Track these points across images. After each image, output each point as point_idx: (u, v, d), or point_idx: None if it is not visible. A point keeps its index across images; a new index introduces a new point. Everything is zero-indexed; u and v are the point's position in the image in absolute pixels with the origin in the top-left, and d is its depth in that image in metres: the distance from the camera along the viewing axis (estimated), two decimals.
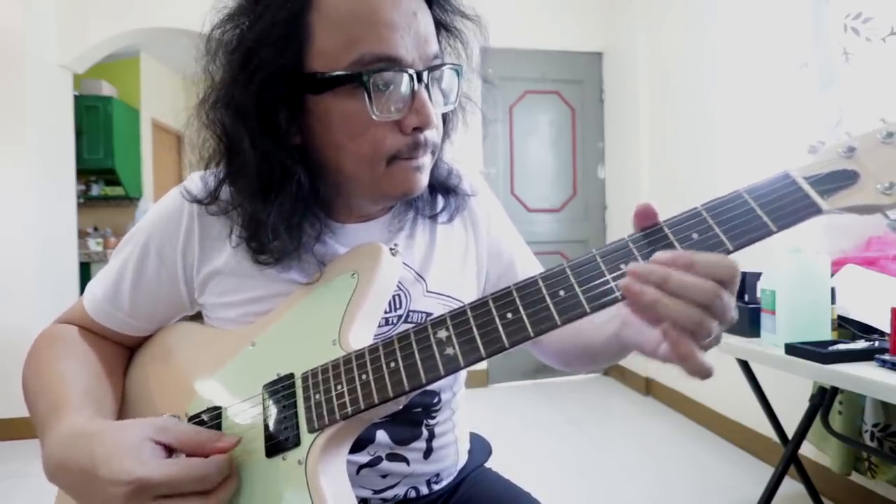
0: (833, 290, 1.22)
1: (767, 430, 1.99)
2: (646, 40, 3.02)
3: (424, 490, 0.69)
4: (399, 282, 0.63)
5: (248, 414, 0.55)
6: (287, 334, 0.58)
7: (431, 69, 0.54)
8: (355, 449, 0.61)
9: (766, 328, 1.24)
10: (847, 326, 1.25)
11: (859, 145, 0.42)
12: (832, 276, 1.27)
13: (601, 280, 0.43)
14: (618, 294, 0.41)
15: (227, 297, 0.62)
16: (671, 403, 2.83)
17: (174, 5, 2.78)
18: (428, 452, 0.68)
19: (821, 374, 1.05)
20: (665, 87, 2.87)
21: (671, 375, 2.85)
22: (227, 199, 0.59)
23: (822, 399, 1.39)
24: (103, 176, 4.47)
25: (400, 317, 0.64)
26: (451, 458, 0.71)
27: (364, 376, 0.49)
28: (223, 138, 0.56)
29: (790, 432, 1.48)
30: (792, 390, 1.78)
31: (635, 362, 3.13)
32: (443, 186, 0.68)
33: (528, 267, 0.76)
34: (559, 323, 0.43)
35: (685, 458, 2.25)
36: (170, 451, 0.49)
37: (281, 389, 0.54)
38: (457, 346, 0.46)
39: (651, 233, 0.43)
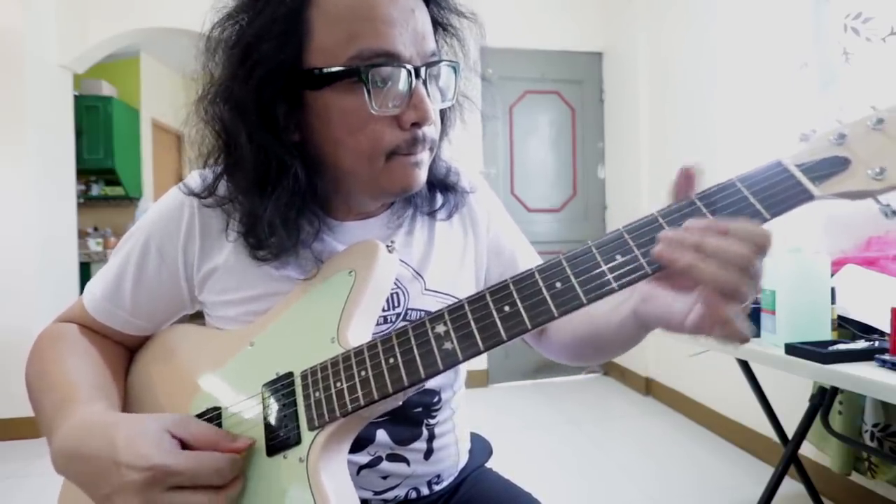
0: (833, 290, 1.21)
1: (767, 430, 1.99)
2: (646, 40, 3.02)
3: (425, 491, 0.69)
4: (397, 279, 0.63)
5: (248, 413, 0.55)
6: (285, 333, 0.58)
7: (429, 65, 0.55)
8: (355, 449, 0.60)
9: (766, 328, 1.24)
10: (847, 326, 1.25)
11: (850, 132, 0.42)
12: (832, 276, 1.27)
13: (598, 271, 0.43)
14: (615, 286, 0.42)
15: (227, 294, 0.62)
16: (671, 403, 2.83)
17: (174, 5, 2.79)
18: (429, 453, 0.68)
19: (821, 374, 1.05)
20: (665, 87, 2.86)
21: (671, 375, 2.85)
22: (224, 194, 0.59)
23: (822, 399, 1.38)
24: (103, 176, 4.48)
25: (398, 315, 0.64)
26: (451, 459, 0.71)
27: (363, 373, 0.49)
28: (221, 133, 0.56)
29: (790, 432, 1.48)
30: (792, 390, 1.77)
31: (635, 362, 3.13)
32: (441, 183, 0.68)
33: (531, 264, 0.76)
34: (556, 315, 0.43)
35: (685, 458, 2.25)
36: (184, 446, 0.49)
37: (280, 388, 0.54)
38: (455, 341, 0.46)
39: (645, 223, 0.43)
